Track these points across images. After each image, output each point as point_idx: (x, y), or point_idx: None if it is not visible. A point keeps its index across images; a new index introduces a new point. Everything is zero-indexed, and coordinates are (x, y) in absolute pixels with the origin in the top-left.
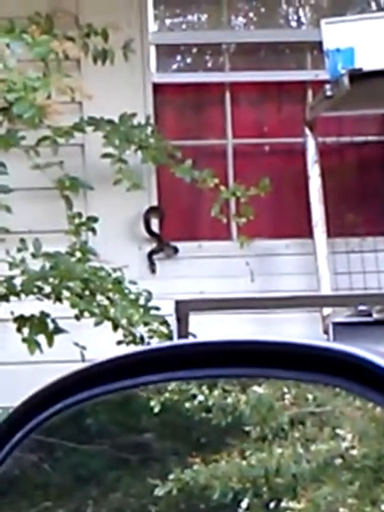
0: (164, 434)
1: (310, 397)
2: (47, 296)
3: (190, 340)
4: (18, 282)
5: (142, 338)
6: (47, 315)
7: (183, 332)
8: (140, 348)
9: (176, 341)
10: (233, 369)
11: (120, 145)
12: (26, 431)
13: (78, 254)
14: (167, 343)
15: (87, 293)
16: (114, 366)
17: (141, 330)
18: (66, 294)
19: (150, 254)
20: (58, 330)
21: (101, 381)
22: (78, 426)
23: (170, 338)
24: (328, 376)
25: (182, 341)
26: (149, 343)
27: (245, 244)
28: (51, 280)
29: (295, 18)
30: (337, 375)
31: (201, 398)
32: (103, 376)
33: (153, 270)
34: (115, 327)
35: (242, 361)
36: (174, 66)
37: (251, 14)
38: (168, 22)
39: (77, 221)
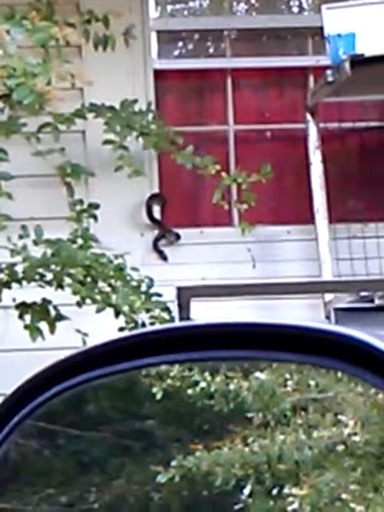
0: (166, 420)
1: (313, 383)
2: (49, 283)
3: (190, 322)
4: (19, 269)
5: (143, 325)
6: (49, 302)
7: (185, 318)
8: (141, 330)
9: (176, 323)
10: (235, 351)
11: (121, 131)
12: (23, 415)
13: (80, 241)
14: (167, 325)
15: (89, 280)
16: (111, 348)
17: (142, 317)
18: (67, 280)
19: (156, 242)
20: (60, 317)
21: (98, 364)
22: (79, 412)
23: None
24: (329, 359)
25: (183, 323)
26: None
27: (246, 230)
28: (53, 267)
29: (296, 3)
30: (338, 358)
31: (203, 384)
32: (101, 359)
33: (164, 258)
34: (117, 314)
35: (243, 343)
36: (176, 52)
37: (252, 0)
38: (169, 7)
39: (78, 208)
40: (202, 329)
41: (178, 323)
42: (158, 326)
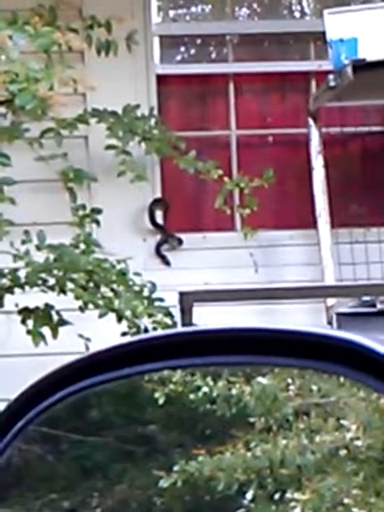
0: (168, 425)
1: (315, 388)
2: (51, 288)
3: (192, 328)
4: (22, 274)
5: (146, 330)
6: (51, 307)
7: (187, 323)
8: (143, 335)
9: (178, 329)
10: (238, 356)
11: (124, 136)
12: (27, 420)
13: (82, 246)
14: (170, 331)
15: (91, 285)
16: (114, 354)
17: (145, 322)
18: (70, 285)
19: (158, 247)
20: (63, 322)
21: (101, 369)
22: (82, 418)
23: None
24: (331, 364)
25: (184, 328)
26: None
27: (249, 235)
28: (55, 272)
29: (299, 8)
30: (339, 363)
31: (205, 389)
32: (104, 365)
33: (167, 263)
34: (119, 319)
35: (245, 348)
36: (178, 58)
37: (255, 5)
38: (171, 13)
39: (81, 213)
40: (204, 334)
41: (180, 328)
42: (160, 332)
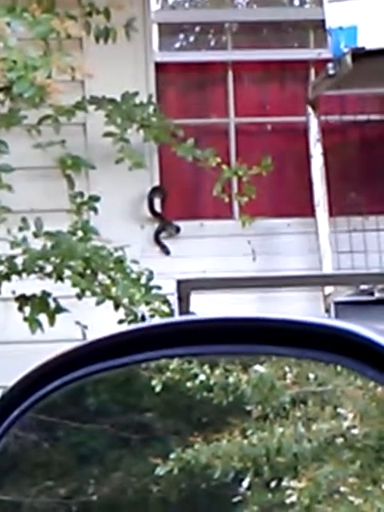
0: (165, 413)
1: (312, 376)
2: (49, 275)
3: (190, 317)
4: (19, 261)
5: (143, 317)
6: (49, 294)
7: (184, 311)
8: (139, 324)
9: (176, 318)
10: (232, 346)
11: (122, 124)
12: (24, 408)
13: (80, 234)
14: (167, 320)
15: (89, 272)
16: (112, 342)
17: (142, 309)
18: (67, 273)
19: (156, 235)
20: (60, 309)
21: (99, 358)
22: (79, 405)
23: (171, 317)
24: (328, 353)
25: (182, 317)
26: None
27: (247, 223)
28: (53, 259)
29: None
30: (336, 352)
31: (202, 377)
32: (101, 353)
33: (167, 252)
34: (116, 306)
35: (242, 338)
36: (177, 45)
37: None
38: (170, 0)
39: (78, 200)
40: (201, 323)
41: (178, 318)
42: (158, 321)
